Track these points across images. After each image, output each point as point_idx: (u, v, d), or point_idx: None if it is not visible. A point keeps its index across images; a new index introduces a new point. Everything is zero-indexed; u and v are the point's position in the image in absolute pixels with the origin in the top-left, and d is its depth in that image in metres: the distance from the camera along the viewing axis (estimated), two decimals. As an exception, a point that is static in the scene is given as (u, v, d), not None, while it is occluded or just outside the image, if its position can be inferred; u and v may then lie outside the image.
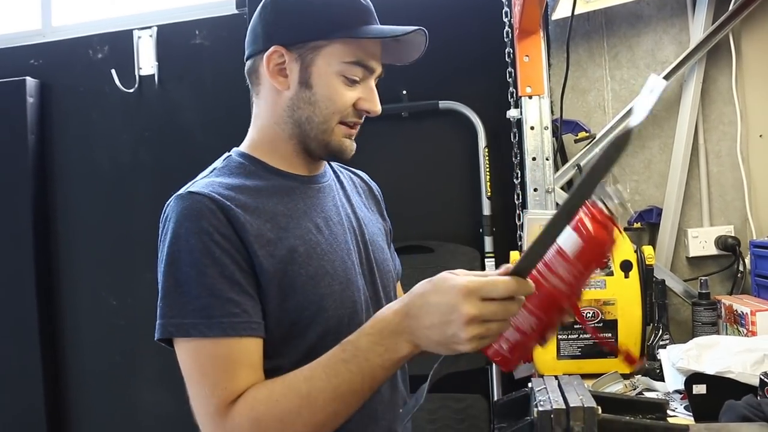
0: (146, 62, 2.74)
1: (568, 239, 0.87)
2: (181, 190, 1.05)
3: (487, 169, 2.36)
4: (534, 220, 2.06)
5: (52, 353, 2.82)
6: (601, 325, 1.84)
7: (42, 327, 2.78)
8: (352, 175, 1.34)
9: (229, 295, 0.99)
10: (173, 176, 2.63)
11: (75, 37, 2.85)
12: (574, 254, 0.86)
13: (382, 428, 1.15)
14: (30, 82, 2.78)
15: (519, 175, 2.33)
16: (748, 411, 1.19)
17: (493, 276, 0.89)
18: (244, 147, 1.18)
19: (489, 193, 2.36)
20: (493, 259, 2.35)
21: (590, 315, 1.83)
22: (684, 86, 2.27)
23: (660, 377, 1.68)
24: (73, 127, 2.83)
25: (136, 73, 2.74)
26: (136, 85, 2.74)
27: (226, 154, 1.18)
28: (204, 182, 1.06)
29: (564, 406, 0.89)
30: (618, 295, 1.82)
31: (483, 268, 2.36)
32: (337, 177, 1.27)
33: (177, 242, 1.00)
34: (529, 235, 2.04)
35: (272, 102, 1.13)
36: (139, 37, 2.74)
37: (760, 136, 2.26)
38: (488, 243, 2.37)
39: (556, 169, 2.28)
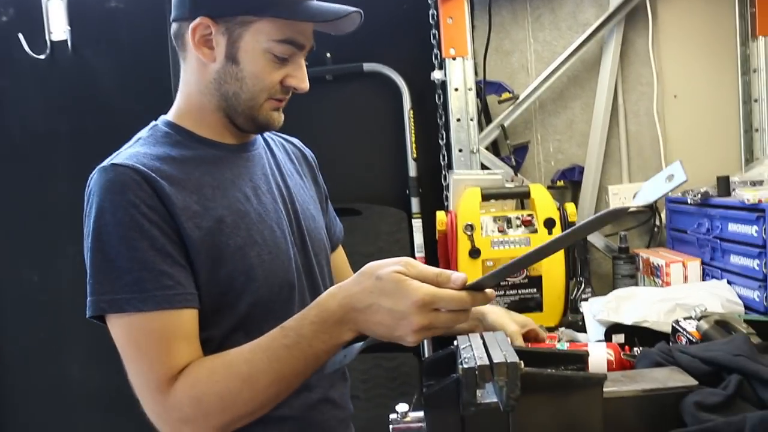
0: (57, 27, 2.60)
1: None
2: (105, 162, 1.01)
3: (413, 131, 2.37)
4: (459, 180, 2.08)
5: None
6: (526, 281, 1.89)
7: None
8: (284, 142, 1.32)
9: (161, 268, 0.97)
10: (92, 145, 2.54)
11: (-23, -1, 2.68)
12: None
13: (317, 395, 1.17)
14: (-72, 47, 2.61)
15: (444, 136, 2.35)
16: (660, 357, 1.25)
17: (448, 291, 0.88)
18: (170, 116, 1.14)
19: (415, 155, 2.37)
20: (420, 220, 2.37)
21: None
22: (604, 48, 2.32)
23: (583, 329, 1.74)
24: (-20, 94, 2.68)
25: (47, 38, 2.60)
26: (48, 51, 2.60)
27: (153, 123, 1.14)
28: (128, 153, 1.03)
29: (488, 363, 0.91)
30: (542, 251, 1.87)
31: (410, 229, 2.38)
32: (268, 145, 1.25)
33: (102, 217, 0.97)
34: (455, 196, 2.07)
35: (198, 72, 1.10)
36: (47, 0, 2.60)
37: (675, 96, 2.36)
38: (415, 204, 2.38)
39: (481, 129, 2.31)
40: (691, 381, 1.11)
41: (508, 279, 1.88)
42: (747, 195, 1.62)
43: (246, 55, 1.06)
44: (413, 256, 2.34)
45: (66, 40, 2.59)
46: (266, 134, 1.26)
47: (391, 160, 2.45)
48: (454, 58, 2.23)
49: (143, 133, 1.12)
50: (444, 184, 2.36)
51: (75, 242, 2.63)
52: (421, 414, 1.06)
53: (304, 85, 1.11)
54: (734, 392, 1.07)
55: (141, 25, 2.55)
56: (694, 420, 1.04)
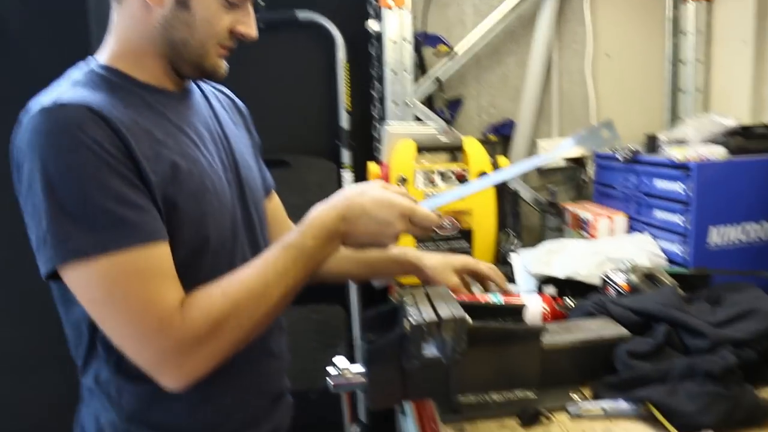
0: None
1: None
2: (44, 104, 0.92)
3: (347, 83, 2.32)
4: (393, 133, 2.06)
5: None
6: (458, 234, 1.91)
7: None
8: (216, 91, 1.27)
9: (139, 202, 0.92)
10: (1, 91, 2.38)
11: None
12: None
13: (257, 345, 1.14)
14: None
15: (377, 87, 2.31)
16: (593, 308, 1.30)
17: (423, 208, 1.06)
18: (104, 59, 1.06)
19: (349, 108, 2.33)
20: (350, 171, 2.34)
21: (448, 225, 1.90)
22: (541, 4, 2.32)
23: (512, 280, 1.78)
24: None
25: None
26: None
27: (84, 66, 1.05)
28: (70, 94, 0.94)
29: (436, 318, 0.91)
30: (474, 205, 1.89)
31: (340, 180, 2.35)
32: (203, 93, 1.21)
33: (60, 158, 0.89)
34: (387, 148, 2.05)
35: (140, 16, 1.03)
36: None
37: (607, 55, 2.40)
38: (346, 156, 2.35)
39: (415, 82, 2.29)
40: (624, 331, 1.16)
41: (440, 232, 1.89)
42: (675, 153, 1.68)
43: (198, 1, 1.02)
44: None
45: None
46: (199, 82, 1.21)
47: (322, 110, 2.39)
48: (391, 8, 2.18)
49: (76, 75, 1.03)
50: (375, 136, 2.33)
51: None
52: (360, 368, 1.06)
53: (253, 32, 1.09)
54: (663, 341, 1.12)
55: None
56: (626, 367, 1.09)
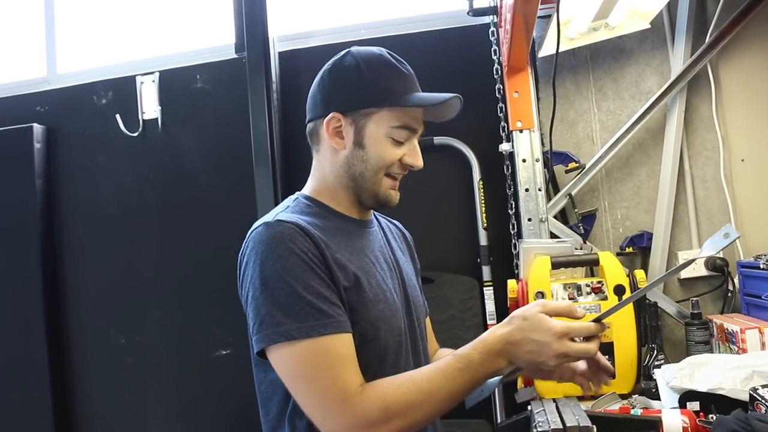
0: (149, 107, 2.82)
1: None
2: (268, 219, 1.19)
3: (483, 201, 2.45)
4: (529, 249, 2.13)
5: (61, 393, 2.85)
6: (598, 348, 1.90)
7: (52, 368, 2.82)
8: (389, 223, 1.50)
9: (332, 299, 1.14)
10: (177, 217, 2.75)
11: (79, 84, 2.93)
12: None
13: None
14: (36, 128, 2.86)
15: (513, 206, 2.42)
16: (737, 425, 1.25)
17: (579, 322, 1.16)
18: (307, 191, 1.34)
19: (485, 225, 2.44)
20: (491, 288, 2.43)
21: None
22: (668, 115, 2.37)
23: (656, 396, 1.74)
24: (79, 170, 2.90)
25: (140, 117, 2.83)
26: (140, 129, 2.82)
27: (294, 197, 1.33)
28: (284, 215, 1.21)
29: (561, 426, 0.96)
30: (613, 318, 1.87)
31: (482, 297, 2.43)
32: (380, 224, 1.44)
33: (275, 262, 1.13)
34: (525, 264, 2.12)
35: (331, 159, 1.29)
36: (141, 83, 2.83)
37: (742, 160, 2.36)
38: (486, 272, 2.44)
39: (549, 199, 2.37)
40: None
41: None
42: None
43: (370, 140, 1.26)
44: (485, 324, 2.39)
45: (156, 119, 2.81)
46: (377, 215, 1.46)
47: (463, 229, 2.53)
48: (521, 131, 2.32)
49: (288, 202, 1.31)
50: (514, 253, 2.42)
51: (160, 307, 2.81)
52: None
53: (419, 162, 1.31)
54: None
55: (224, 105, 2.76)
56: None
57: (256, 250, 1.16)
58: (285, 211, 1.26)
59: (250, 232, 1.21)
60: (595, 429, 0.93)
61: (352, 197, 1.31)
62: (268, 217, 1.21)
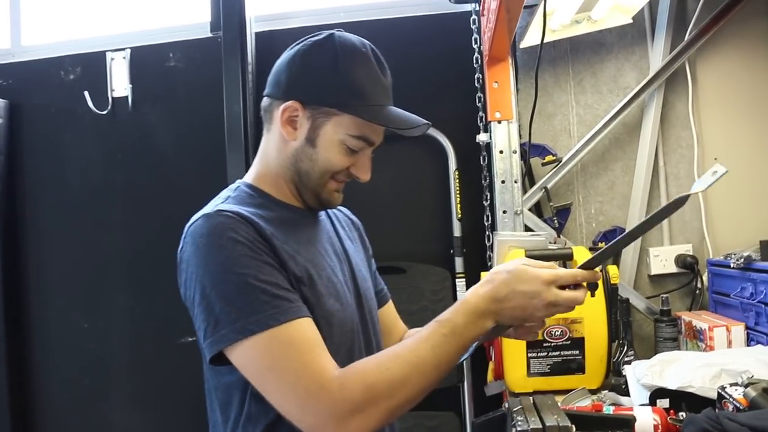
0: (119, 84, 2.75)
1: None
2: (207, 211, 1.12)
3: (458, 192, 2.43)
4: (503, 241, 2.12)
5: (18, 377, 2.78)
6: (569, 342, 1.91)
7: (9, 351, 2.74)
8: (336, 211, 1.43)
9: (286, 285, 1.07)
10: (145, 198, 2.69)
11: (46, 58, 2.83)
12: None
13: None
14: (-1, 102, 2.77)
15: (488, 197, 2.41)
16: (708, 424, 1.26)
17: (566, 269, 1.11)
18: (249, 178, 1.26)
19: (459, 215, 2.43)
20: (464, 280, 2.42)
21: (558, 333, 1.90)
22: (645, 111, 2.37)
23: (626, 392, 1.75)
24: (43, 147, 2.81)
25: (109, 94, 2.75)
26: (110, 107, 2.74)
27: (235, 185, 1.25)
28: (224, 206, 1.13)
29: (541, 426, 0.94)
30: (585, 313, 1.89)
31: (454, 289, 2.42)
32: (327, 212, 1.37)
33: (219, 253, 1.05)
34: (498, 256, 2.10)
35: (280, 146, 1.22)
36: (112, 59, 2.75)
37: (715, 158, 2.37)
38: (459, 264, 2.43)
39: (524, 191, 2.36)
40: (740, 450, 1.12)
41: (551, 340, 1.90)
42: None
43: (323, 142, 1.17)
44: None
45: (127, 96, 2.74)
46: None
47: (436, 220, 2.52)
48: (499, 122, 2.30)
49: (229, 192, 1.23)
50: (487, 245, 2.40)
51: (124, 291, 2.74)
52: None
53: (366, 176, 1.24)
54: (784, 463, 1.08)
55: (197, 84, 2.69)
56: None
57: (197, 245, 1.08)
58: (225, 201, 1.18)
59: (188, 226, 1.13)
60: (574, 429, 0.92)
61: (294, 190, 1.24)
62: (207, 209, 1.14)
